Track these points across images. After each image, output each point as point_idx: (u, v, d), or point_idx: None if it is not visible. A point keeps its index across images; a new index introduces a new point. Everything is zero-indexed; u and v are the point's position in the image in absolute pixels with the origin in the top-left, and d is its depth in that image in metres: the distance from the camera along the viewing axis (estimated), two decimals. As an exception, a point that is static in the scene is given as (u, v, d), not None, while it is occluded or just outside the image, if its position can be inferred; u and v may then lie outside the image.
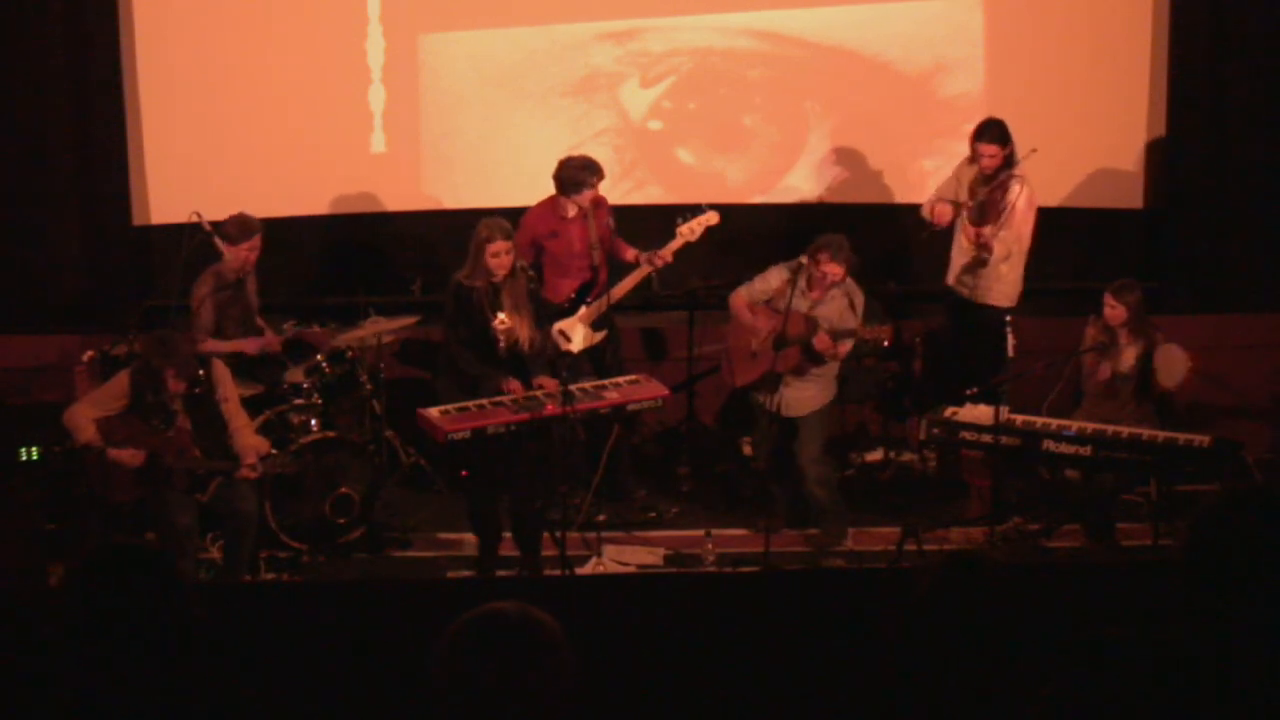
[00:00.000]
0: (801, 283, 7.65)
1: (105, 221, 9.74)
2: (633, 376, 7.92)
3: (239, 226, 8.06)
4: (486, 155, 9.89)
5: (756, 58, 9.86)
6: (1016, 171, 8.22)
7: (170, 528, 7.10)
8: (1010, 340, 7.51)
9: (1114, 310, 7.73)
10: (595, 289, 8.38)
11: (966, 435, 7.61)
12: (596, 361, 8.36)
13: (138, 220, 9.81)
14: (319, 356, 8.21)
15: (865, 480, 8.85)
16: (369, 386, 8.23)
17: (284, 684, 4.66)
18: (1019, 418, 7.61)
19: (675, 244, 8.34)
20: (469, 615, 2.67)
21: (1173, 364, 7.62)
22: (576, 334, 8.27)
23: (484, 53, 9.83)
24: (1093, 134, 9.72)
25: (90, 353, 8.27)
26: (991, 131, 8.24)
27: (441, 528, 8.23)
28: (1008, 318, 7.66)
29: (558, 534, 7.32)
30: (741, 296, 7.96)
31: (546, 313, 7.89)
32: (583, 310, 8.32)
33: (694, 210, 8.41)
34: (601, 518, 8.25)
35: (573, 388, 7.32)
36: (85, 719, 2.88)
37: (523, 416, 7.26)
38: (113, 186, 9.71)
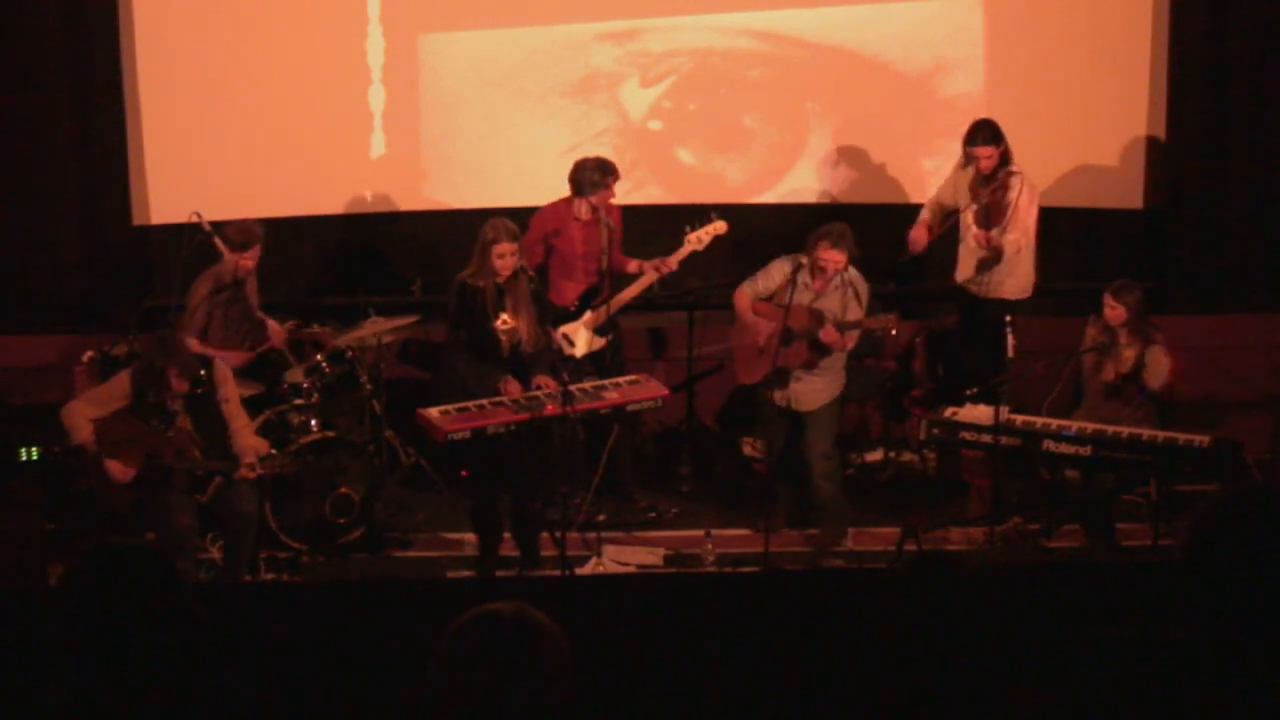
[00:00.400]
0: (804, 276, 7.66)
1: (105, 221, 9.74)
2: (633, 376, 7.92)
3: (242, 233, 8.06)
4: (486, 155, 9.88)
5: (756, 58, 9.86)
6: (1013, 168, 8.25)
7: (170, 528, 7.10)
8: (1010, 340, 7.52)
9: (1114, 310, 7.73)
10: (601, 295, 8.36)
11: (966, 435, 7.61)
12: (598, 362, 8.36)
13: (138, 220, 9.81)
14: (319, 356, 8.21)
15: (865, 480, 8.85)
16: (369, 386, 8.23)
17: (284, 684, 4.66)
18: (1019, 418, 7.61)
19: (683, 252, 8.33)
20: (466, 616, 2.67)
21: (1157, 365, 7.65)
22: (580, 338, 8.26)
23: (484, 53, 9.83)
24: (1093, 134, 9.71)
25: (90, 353, 8.27)
26: (984, 133, 8.26)
27: (441, 528, 8.23)
28: (1008, 318, 7.66)
29: (558, 534, 7.32)
30: (745, 294, 7.96)
31: (551, 316, 7.89)
32: (587, 315, 8.32)
33: (703, 218, 8.39)
34: (601, 518, 8.25)
35: (573, 388, 7.32)
36: (85, 719, 2.88)
37: (523, 416, 7.26)
38: (113, 186, 9.71)
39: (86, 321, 9.34)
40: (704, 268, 9.00)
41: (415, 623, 3.73)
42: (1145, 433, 7.43)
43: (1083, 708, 2.87)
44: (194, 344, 7.77)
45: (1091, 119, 9.70)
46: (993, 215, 8.30)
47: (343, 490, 7.86)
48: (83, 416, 7.16)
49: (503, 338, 7.44)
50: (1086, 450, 7.39)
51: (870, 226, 9.48)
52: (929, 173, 9.46)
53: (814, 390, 7.86)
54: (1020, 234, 8.29)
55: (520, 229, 7.65)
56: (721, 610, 5.23)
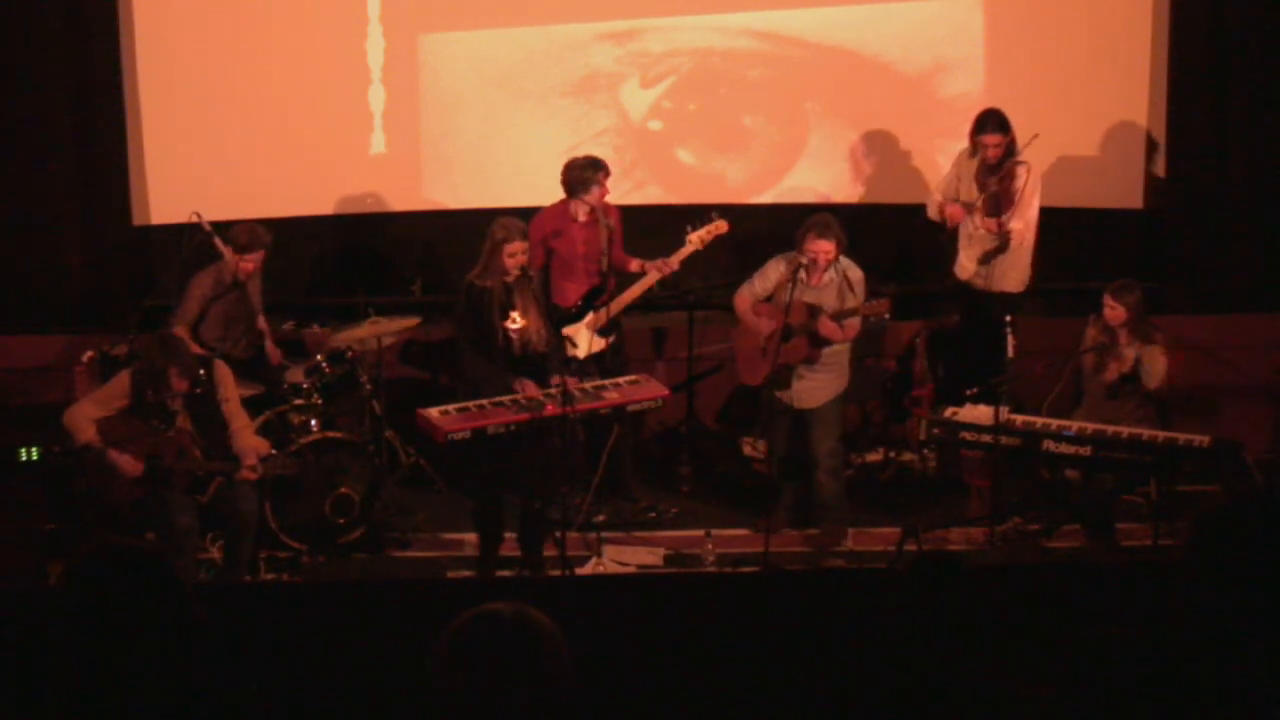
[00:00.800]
0: (800, 272, 7.67)
1: (105, 221, 9.74)
2: (633, 376, 7.92)
3: (247, 236, 8.08)
4: (486, 155, 9.88)
5: (756, 58, 9.86)
6: (1020, 157, 8.28)
7: (170, 528, 7.10)
8: (1010, 340, 7.52)
9: (1114, 311, 7.73)
10: (603, 295, 8.36)
11: (966, 435, 7.61)
12: (600, 362, 8.35)
13: (138, 220, 9.81)
14: (319, 356, 8.21)
15: (865, 480, 8.85)
16: (369, 386, 8.23)
17: (284, 684, 4.66)
18: (1019, 418, 7.61)
19: (684, 252, 8.33)
20: (466, 616, 2.66)
21: (1153, 365, 7.66)
22: (581, 340, 8.26)
23: (484, 53, 9.83)
24: (1093, 134, 9.72)
25: (90, 353, 8.27)
26: (993, 121, 8.32)
27: (441, 528, 8.23)
28: (1008, 318, 7.66)
29: (558, 534, 7.32)
30: (745, 297, 7.98)
31: (554, 317, 7.89)
32: (589, 316, 8.31)
33: (703, 218, 8.40)
34: (601, 518, 8.25)
35: (573, 388, 7.32)
36: (84, 719, 2.88)
37: (523, 417, 7.26)
38: (113, 187, 9.71)
39: (86, 321, 9.34)
40: (704, 268, 9.01)
41: (415, 623, 3.72)
42: (1145, 433, 7.43)
43: (1083, 708, 2.87)
44: (183, 335, 7.77)
45: (1091, 119, 9.70)
46: (1001, 203, 8.34)
47: (343, 490, 7.86)
48: (85, 418, 7.16)
49: (514, 337, 7.43)
50: (1086, 450, 7.39)
51: (870, 226, 9.50)
52: (929, 173, 9.46)
53: (817, 387, 7.86)
54: (1024, 224, 8.32)
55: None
56: (721, 610, 5.23)
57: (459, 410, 7.31)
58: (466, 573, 7.58)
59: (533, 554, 7.54)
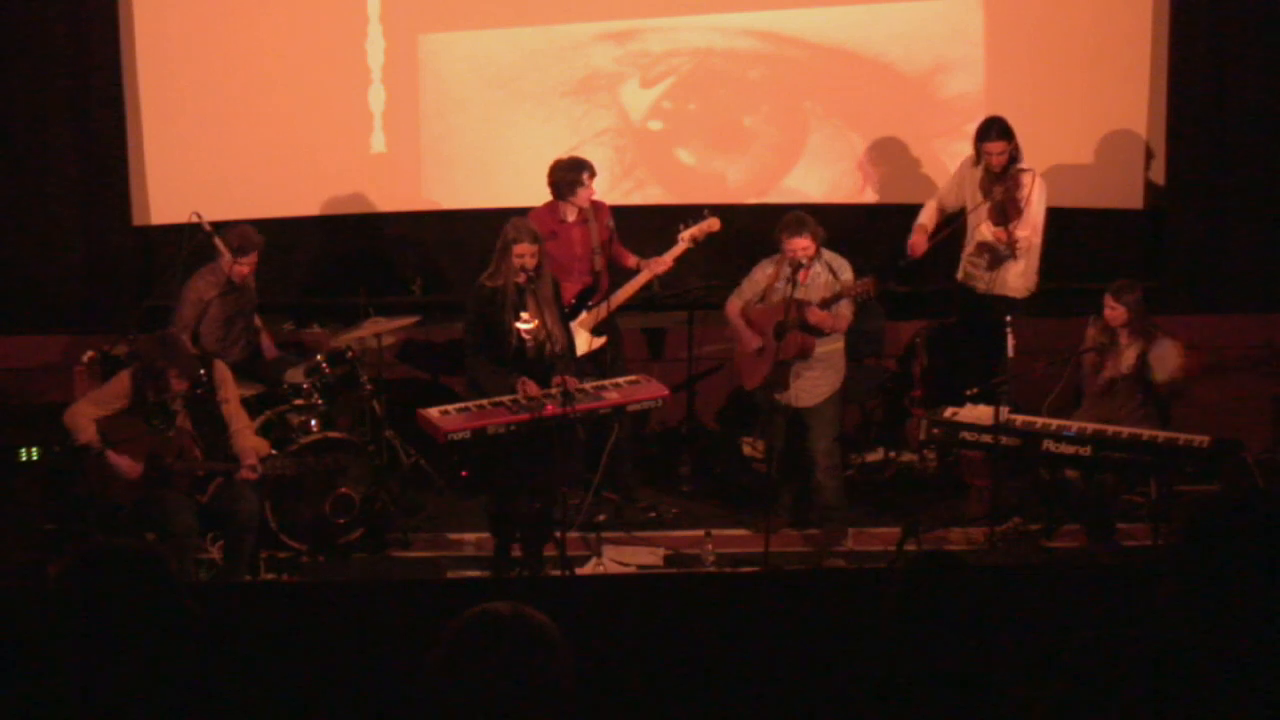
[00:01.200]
0: (786, 270, 7.68)
1: (105, 221, 9.74)
2: (633, 376, 7.92)
3: (241, 240, 8.08)
4: (486, 156, 9.88)
5: (756, 58, 9.86)
6: (1024, 165, 8.29)
7: (170, 528, 7.10)
8: (1010, 340, 7.52)
9: (1114, 311, 7.73)
10: (597, 294, 8.37)
11: (966, 435, 7.61)
12: (597, 363, 8.36)
13: (138, 220, 9.80)
14: (319, 357, 8.21)
15: (865, 480, 8.85)
16: (369, 386, 8.23)
17: (284, 684, 4.66)
18: (1019, 418, 7.61)
19: (677, 250, 8.36)
20: (464, 616, 2.66)
21: (1165, 357, 7.64)
22: (578, 339, 8.26)
23: (484, 53, 9.83)
24: (1093, 134, 9.72)
25: (90, 353, 8.27)
26: (996, 129, 8.32)
27: (441, 528, 8.23)
28: (1008, 318, 7.66)
29: (558, 534, 7.32)
30: (734, 304, 8.00)
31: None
32: (583, 315, 8.32)
33: (696, 216, 8.41)
34: (602, 518, 8.25)
35: (573, 388, 7.32)
36: (83, 719, 2.87)
37: (523, 417, 7.25)
38: (113, 187, 9.71)
39: (86, 321, 9.35)
40: (704, 268, 9.01)
41: (415, 623, 3.73)
42: (1145, 433, 7.43)
43: (1083, 708, 2.87)
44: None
45: (1091, 119, 9.70)
46: (1008, 211, 8.34)
47: (343, 490, 7.85)
48: (85, 417, 7.17)
49: (526, 338, 7.42)
50: (1086, 450, 7.39)
51: (871, 227, 9.50)
52: (929, 173, 9.46)
53: (814, 384, 7.86)
54: (1030, 230, 8.33)
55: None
56: (721, 610, 5.23)
57: (459, 410, 7.31)
58: (466, 573, 7.58)
59: (533, 554, 7.54)
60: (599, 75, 9.86)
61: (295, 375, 8.16)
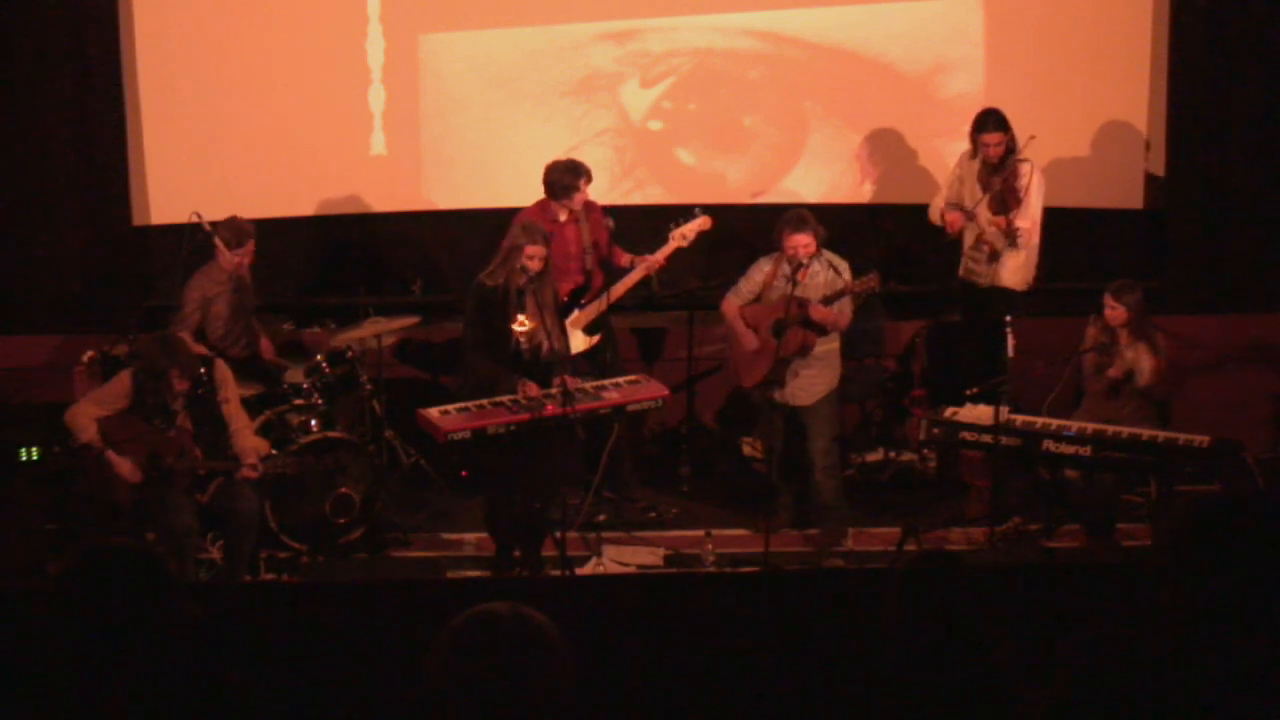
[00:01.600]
0: (785, 268, 7.68)
1: (105, 221, 9.74)
2: (633, 376, 7.93)
3: (234, 232, 8.09)
4: (486, 156, 9.88)
5: (756, 58, 9.86)
6: (1021, 155, 8.29)
7: (170, 528, 7.10)
8: (1010, 340, 7.52)
9: (1114, 311, 7.73)
10: (589, 293, 8.38)
11: (966, 435, 7.61)
12: (596, 363, 8.36)
13: (138, 220, 9.81)
14: (319, 356, 8.21)
15: (865, 480, 8.85)
16: (369, 386, 8.23)
17: (284, 684, 4.66)
18: (1019, 418, 7.61)
19: (668, 248, 8.38)
20: (463, 617, 2.66)
21: (1139, 365, 7.67)
22: (570, 338, 8.26)
23: (484, 53, 9.83)
24: (1092, 133, 9.72)
25: (90, 353, 8.27)
26: (992, 120, 8.35)
27: (442, 528, 8.23)
28: (1008, 318, 7.66)
29: (558, 534, 7.32)
30: (732, 303, 8.00)
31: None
32: (575, 314, 8.32)
33: (687, 214, 8.42)
34: (602, 518, 8.25)
35: (573, 387, 7.32)
36: (82, 719, 2.88)
37: (523, 417, 7.26)
38: (113, 187, 9.71)
39: (86, 321, 9.34)
40: (704, 267, 9.01)
41: (415, 623, 3.73)
42: (1145, 433, 7.43)
43: (1083, 708, 2.87)
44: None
45: (1092, 119, 9.70)
46: (1008, 201, 8.35)
47: (343, 490, 7.85)
48: (86, 417, 7.16)
49: (521, 339, 7.42)
50: (1086, 450, 7.39)
51: (870, 227, 9.50)
52: (929, 173, 9.46)
53: (811, 383, 7.87)
54: (1030, 222, 8.33)
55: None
56: (721, 610, 5.23)
57: (459, 410, 7.31)
58: (466, 573, 7.58)
59: (533, 554, 7.54)
60: (599, 75, 9.86)
61: (295, 375, 8.16)
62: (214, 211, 8.26)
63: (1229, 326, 9.27)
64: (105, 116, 9.64)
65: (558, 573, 7.25)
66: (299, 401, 8.03)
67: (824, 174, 9.93)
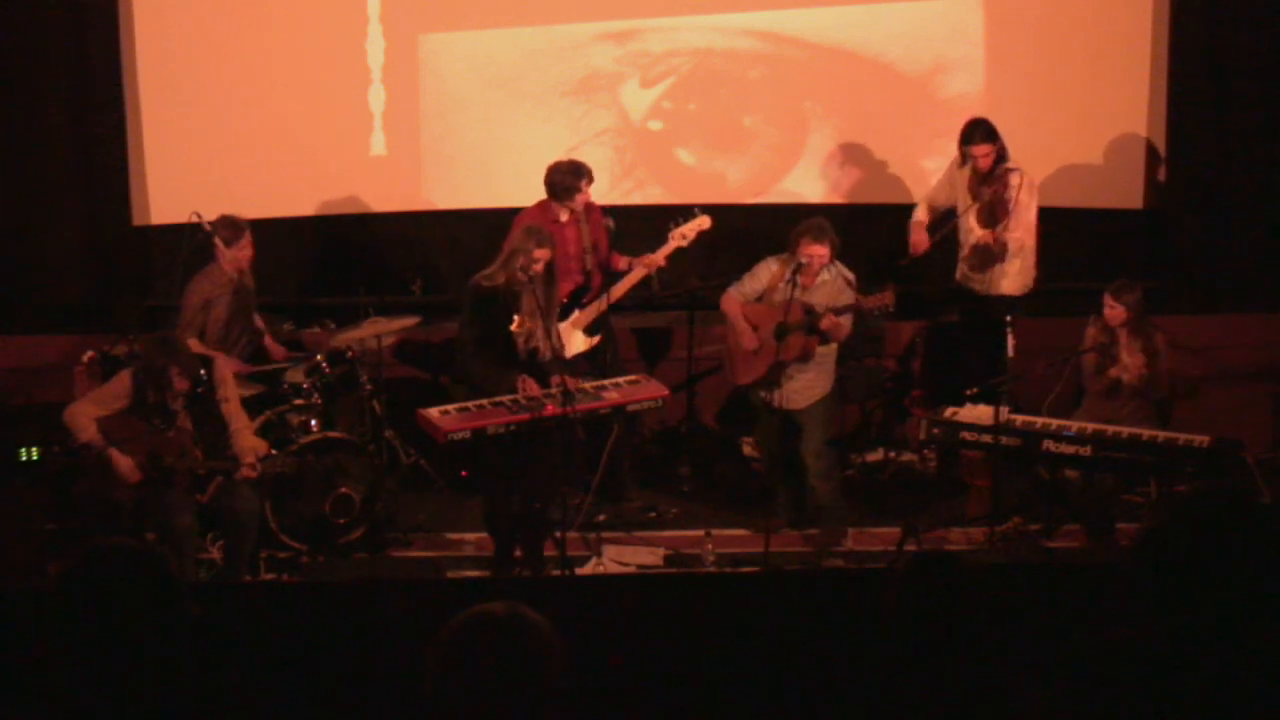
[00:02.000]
0: (798, 274, 7.69)
1: (105, 221, 9.75)
2: (633, 376, 7.92)
3: (229, 228, 8.09)
4: (486, 156, 9.88)
5: (756, 58, 9.86)
6: (1011, 164, 8.28)
7: (170, 528, 7.10)
8: (1010, 341, 7.52)
9: (1113, 310, 7.73)
10: (589, 294, 8.38)
11: (966, 435, 7.61)
12: (596, 363, 8.36)
13: (138, 220, 9.81)
14: (319, 357, 8.21)
15: (865, 480, 8.85)
16: (369, 386, 8.23)
17: (284, 684, 4.67)
18: (1019, 418, 7.61)
19: (668, 248, 8.38)
20: (459, 618, 2.66)
21: (1139, 364, 7.68)
22: (570, 339, 8.26)
23: (484, 53, 9.83)
24: (1093, 134, 9.72)
25: (90, 353, 8.28)
26: (979, 131, 8.32)
27: (441, 528, 8.23)
28: (1008, 318, 7.67)
29: (558, 534, 7.32)
30: (733, 298, 7.99)
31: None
32: (576, 315, 8.32)
33: (686, 214, 8.42)
34: (602, 518, 8.25)
35: (572, 388, 7.32)
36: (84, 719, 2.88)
37: (523, 417, 7.25)
38: (113, 187, 9.71)
39: (86, 321, 9.34)
40: (704, 267, 9.01)
41: (415, 623, 3.73)
42: (1145, 433, 7.43)
43: (1083, 708, 2.87)
44: (195, 344, 7.80)
45: (1091, 119, 9.70)
46: (996, 212, 8.33)
47: (343, 490, 7.85)
48: (85, 416, 7.16)
49: (518, 340, 7.43)
50: (1086, 450, 7.39)
51: (870, 226, 9.50)
52: (929, 173, 9.46)
53: (806, 387, 7.87)
54: (1023, 230, 8.33)
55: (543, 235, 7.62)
56: (721, 610, 5.23)
57: (459, 410, 7.31)
58: (466, 573, 7.58)
59: (533, 554, 7.54)
60: (599, 75, 9.86)
61: (295, 375, 8.16)
62: (214, 212, 8.26)
63: (1229, 326, 9.27)
64: (105, 116, 9.64)
65: (558, 573, 7.24)
66: (299, 401, 8.03)
67: (824, 174, 9.93)
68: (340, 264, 9.88)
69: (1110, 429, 7.46)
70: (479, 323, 7.48)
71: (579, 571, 7.43)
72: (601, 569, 7.59)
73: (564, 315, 8.28)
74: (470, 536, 7.99)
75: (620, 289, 8.39)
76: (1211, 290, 9.63)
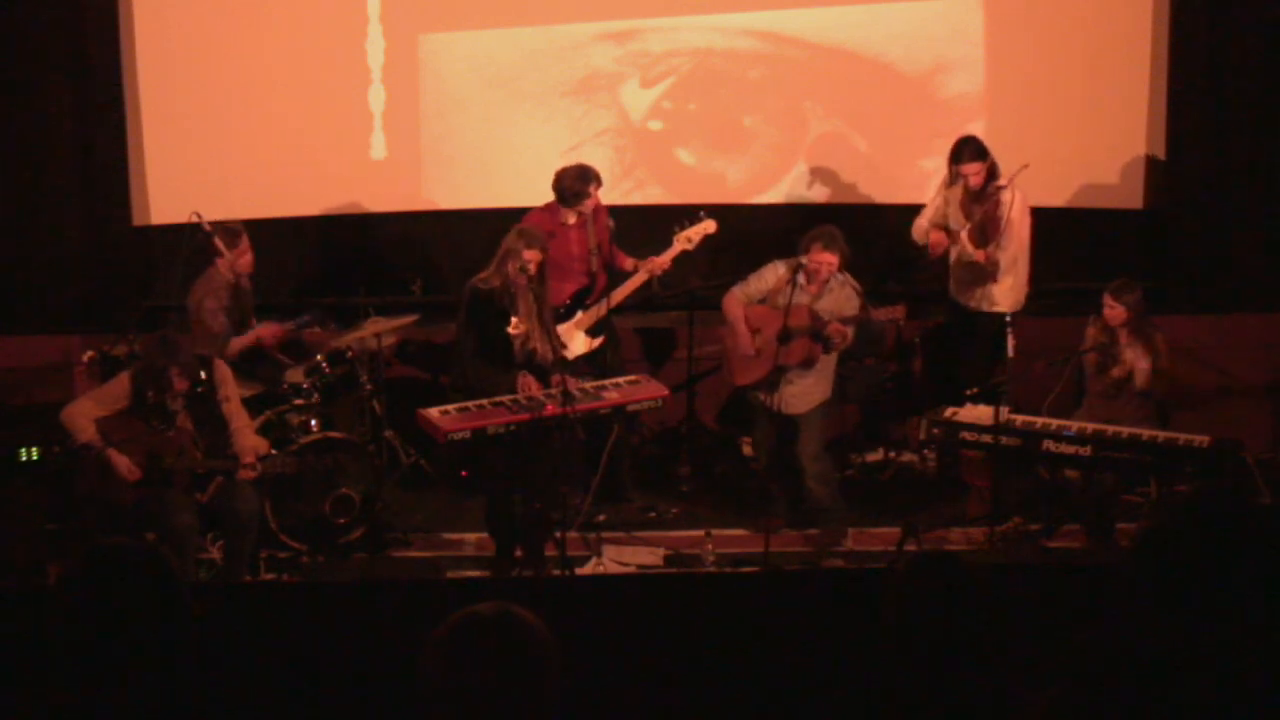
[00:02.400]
0: (800, 277, 7.68)
1: (105, 222, 9.75)
2: (633, 377, 7.92)
3: (227, 233, 8.08)
4: (486, 156, 9.89)
5: (756, 58, 9.87)
6: (1002, 181, 8.24)
7: (170, 528, 7.10)
8: (1010, 341, 7.52)
9: (1113, 310, 7.73)
10: (593, 295, 8.38)
11: (966, 435, 7.61)
12: (596, 364, 8.36)
13: (138, 220, 9.81)
14: (319, 356, 8.21)
15: (865, 480, 8.85)
16: (369, 386, 8.23)
17: (284, 684, 4.67)
18: (1019, 418, 7.61)
19: (673, 251, 8.36)
20: (450, 620, 2.66)
21: (1139, 364, 7.68)
22: (573, 340, 8.26)
23: (484, 53, 9.83)
24: (1093, 134, 9.72)
25: (90, 353, 8.27)
26: (969, 150, 8.28)
27: (441, 528, 8.23)
28: (1008, 318, 7.67)
29: (558, 534, 7.32)
30: (736, 298, 7.98)
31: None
32: (579, 316, 8.32)
33: (692, 217, 8.41)
34: (602, 518, 8.25)
35: (572, 388, 7.32)
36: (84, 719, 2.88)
37: (523, 417, 7.25)
38: (113, 187, 9.71)
39: (86, 321, 9.35)
40: (705, 267, 9.01)
41: (415, 623, 3.72)
42: (1145, 433, 7.43)
43: (1083, 708, 2.87)
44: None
45: (1091, 120, 9.70)
46: (988, 231, 8.30)
47: (343, 490, 7.86)
48: (84, 416, 7.16)
49: (514, 342, 7.43)
50: (1086, 450, 7.39)
51: (870, 227, 9.50)
52: (929, 173, 9.46)
53: (805, 392, 7.87)
54: (1017, 248, 8.30)
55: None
56: (721, 610, 5.23)
57: (459, 410, 7.31)
58: (466, 573, 7.58)
59: (533, 554, 7.54)
60: (599, 75, 9.87)
61: (295, 375, 8.16)
62: (214, 212, 8.26)
63: (1229, 326, 9.27)
64: (105, 116, 9.64)
65: (558, 573, 7.25)
66: (299, 401, 8.03)
67: (824, 174, 9.93)
68: (340, 264, 9.88)
69: (1110, 429, 7.46)
70: (476, 325, 7.48)
71: (579, 571, 7.43)
72: (601, 569, 7.59)
73: (567, 316, 8.28)
74: (470, 536, 7.99)
75: (624, 291, 8.39)
76: (1211, 290, 9.63)
